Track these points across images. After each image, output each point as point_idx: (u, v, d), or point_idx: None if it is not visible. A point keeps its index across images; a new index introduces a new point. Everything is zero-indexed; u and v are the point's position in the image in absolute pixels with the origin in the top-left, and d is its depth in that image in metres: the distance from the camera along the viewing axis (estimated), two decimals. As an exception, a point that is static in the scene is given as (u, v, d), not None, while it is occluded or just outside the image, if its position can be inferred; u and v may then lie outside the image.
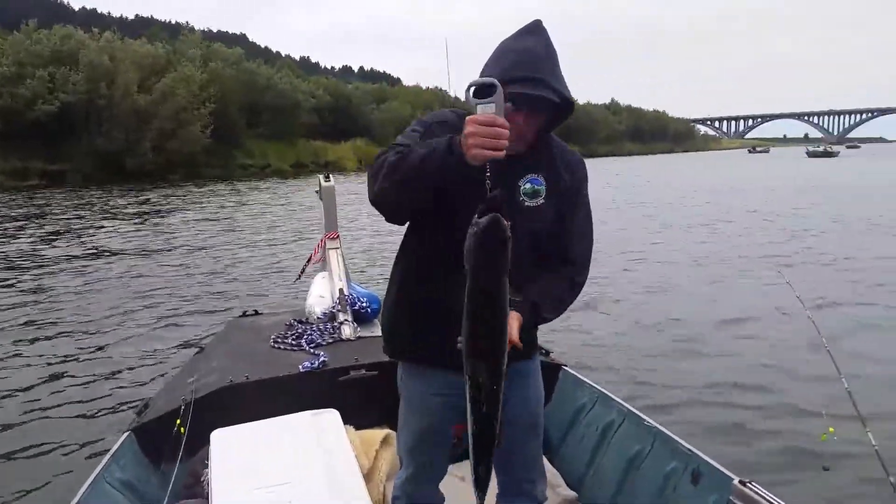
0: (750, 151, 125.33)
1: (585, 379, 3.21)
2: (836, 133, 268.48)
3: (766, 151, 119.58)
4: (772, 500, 2.02)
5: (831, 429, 2.62)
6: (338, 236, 4.92)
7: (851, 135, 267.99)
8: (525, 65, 1.60)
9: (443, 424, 1.94)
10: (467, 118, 1.43)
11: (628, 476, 2.65)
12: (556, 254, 1.81)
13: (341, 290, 4.04)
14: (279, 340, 3.62)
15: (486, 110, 1.41)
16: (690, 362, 6.07)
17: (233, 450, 2.20)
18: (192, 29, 71.69)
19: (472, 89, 1.45)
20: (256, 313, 4.61)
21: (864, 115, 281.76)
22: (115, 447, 2.60)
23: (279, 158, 49.31)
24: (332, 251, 4.70)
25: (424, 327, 1.81)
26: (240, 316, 4.62)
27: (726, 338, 6.86)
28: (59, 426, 4.69)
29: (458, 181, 1.52)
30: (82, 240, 14.58)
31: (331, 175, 5.31)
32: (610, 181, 33.87)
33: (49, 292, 9.25)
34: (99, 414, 4.90)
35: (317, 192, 5.56)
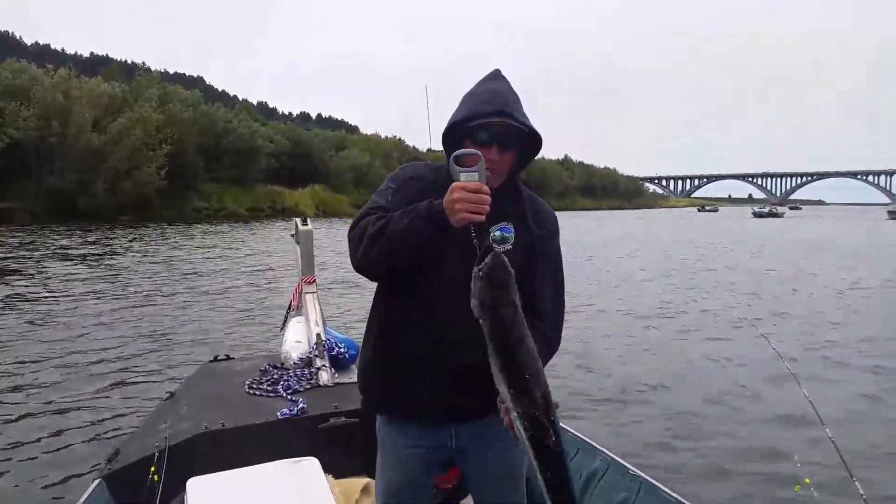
0: (699, 210, 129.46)
1: (568, 428, 3.18)
2: (778, 194, 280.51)
3: (715, 210, 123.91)
4: None
5: (806, 479, 2.68)
6: (314, 280, 4.87)
7: (793, 196, 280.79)
8: (492, 102, 1.68)
9: (420, 476, 1.93)
10: (455, 185, 1.53)
11: None
12: (525, 305, 1.77)
13: (318, 336, 3.97)
14: (254, 386, 3.54)
15: (469, 178, 1.53)
16: (670, 412, 6.19)
17: (210, 499, 2.16)
18: (149, 69, 71.10)
19: (455, 158, 1.56)
20: (228, 358, 4.51)
21: (804, 178, 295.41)
22: (85, 495, 2.54)
23: (235, 202, 48.75)
24: (308, 295, 4.65)
25: (399, 382, 1.82)
26: (211, 361, 4.48)
27: (705, 389, 7.01)
28: (24, 474, 4.52)
29: (437, 242, 1.61)
30: (34, 280, 14.09)
31: (308, 219, 5.26)
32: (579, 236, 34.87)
33: (14, 330, 8.94)
34: (66, 462, 4.71)
35: (292, 235, 5.49)
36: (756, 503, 4.43)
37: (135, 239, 25.97)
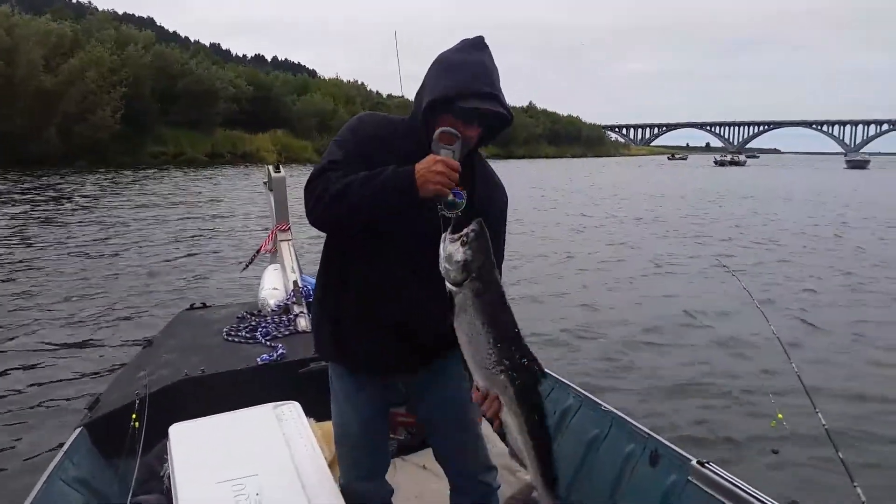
0: (669, 158, 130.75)
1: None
2: (735, 143, 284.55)
3: (685, 159, 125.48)
4: (729, 480, 2.09)
5: (780, 415, 2.75)
6: (289, 227, 4.80)
7: (750, 145, 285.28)
8: (483, 80, 1.66)
9: (372, 417, 1.97)
10: (438, 159, 1.61)
11: (587, 459, 2.70)
12: None
13: (295, 283, 3.96)
14: (232, 333, 3.53)
15: (447, 154, 1.62)
16: (643, 352, 6.40)
17: (193, 444, 2.14)
18: (96, 10, 67.64)
19: (438, 134, 1.63)
20: (205, 306, 4.47)
21: (762, 127, 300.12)
22: (67, 444, 2.53)
23: (194, 147, 47.40)
24: (283, 243, 4.61)
25: (347, 335, 1.87)
26: (188, 309, 4.45)
27: (677, 327, 7.29)
28: (4, 426, 4.50)
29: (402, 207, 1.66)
30: (7, 226, 13.66)
31: (281, 165, 5.17)
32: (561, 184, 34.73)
33: None
34: (47, 411, 4.73)
35: (265, 182, 5.41)
36: (723, 431, 4.63)
37: (93, 184, 25.15)
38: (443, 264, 1.52)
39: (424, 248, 1.65)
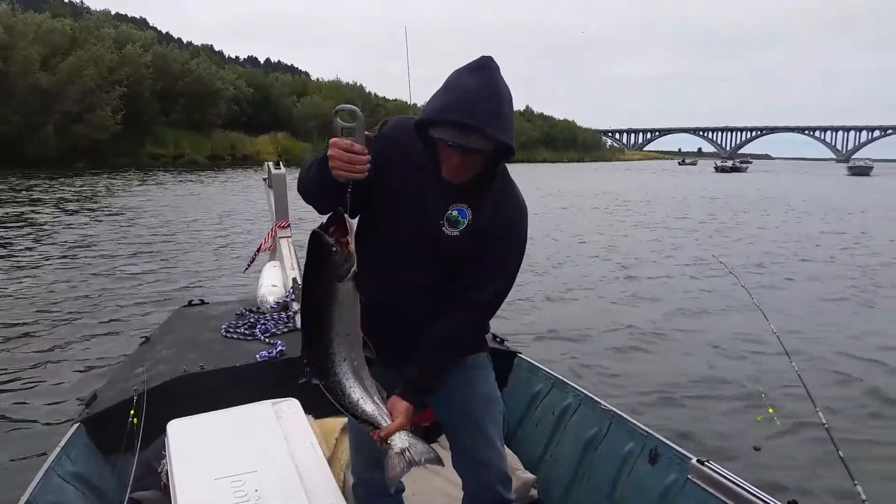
0: (680, 164, 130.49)
1: (540, 365, 3.24)
2: (728, 149, 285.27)
3: (694, 164, 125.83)
4: (729, 478, 2.07)
5: (770, 409, 2.79)
6: (288, 224, 4.80)
7: (741, 151, 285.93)
8: (458, 110, 1.55)
9: None
10: (330, 140, 1.53)
11: (585, 457, 2.70)
12: (463, 289, 1.77)
13: (294, 280, 3.97)
14: (231, 330, 3.52)
15: (346, 136, 1.52)
16: (642, 351, 6.50)
17: (191, 440, 2.14)
18: (88, 8, 67.13)
19: (338, 114, 1.54)
20: (203, 302, 4.47)
21: (754, 133, 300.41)
22: (64, 440, 2.52)
23: (194, 149, 47.28)
24: (282, 239, 4.60)
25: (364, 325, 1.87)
26: (185, 305, 4.44)
27: (677, 326, 7.40)
28: (2, 421, 4.52)
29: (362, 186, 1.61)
30: (5, 227, 13.67)
31: (280, 162, 5.14)
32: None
33: None
34: (44, 407, 4.74)
35: (265, 179, 5.34)
36: (720, 429, 4.68)
37: (93, 186, 25.01)
38: None
39: (423, 260, 1.73)
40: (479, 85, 1.56)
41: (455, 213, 1.71)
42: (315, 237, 1.50)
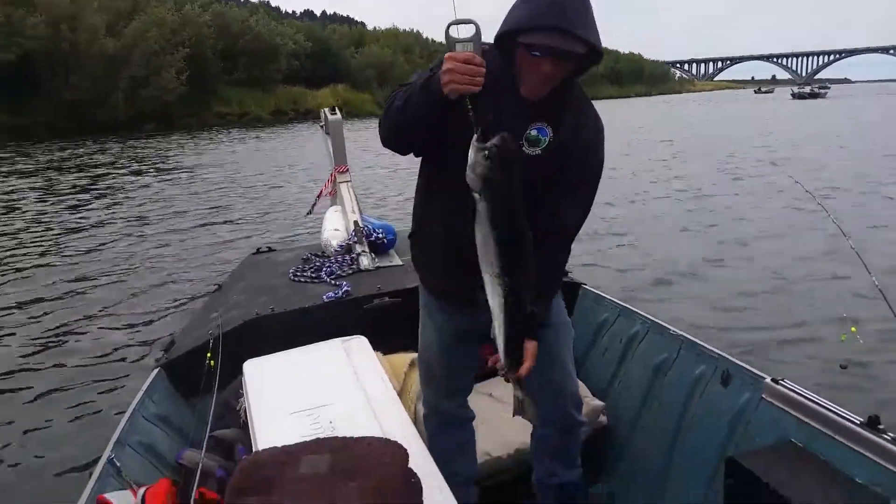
0: (756, 92, 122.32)
1: (606, 295, 3.19)
2: (804, 74, 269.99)
3: (771, 92, 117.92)
4: (805, 395, 2.01)
5: (853, 328, 2.70)
6: (347, 169, 4.86)
7: (818, 76, 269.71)
8: (553, 14, 1.52)
9: (453, 344, 2.01)
10: (446, 55, 1.49)
11: (655, 383, 2.64)
12: (549, 216, 1.76)
13: (356, 223, 3.96)
14: (298, 274, 3.59)
15: (465, 48, 1.48)
16: (716, 273, 6.56)
17: (266, 378, 2.19)
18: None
19: (453, 27, 1.50)
20: (270, 250, 4.54)
21: (830, 57, 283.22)
22: (146, 383, 2.63)
23: (258, 106, 47.22)
24: (342, 184, 4.64)
25: (432, 263, 1.93)
26: (254, 253, 4.50)
27: (750, 247, 7.40)
28: (87, 367, 4.74)
29: (447, 115, 1.58)
30: (87, 190, 14.11)
31: (336, 108, 5.19)
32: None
33: (63, 242, 9.15)
34: (126, 352, 4.99)
35: (321, 126, 5.44)
36: (804, 351, 4.56)
37: (163, 148, 25.30)
38: (467, 170, 1.49)
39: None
40: None
41: (534, 132, 1.70)
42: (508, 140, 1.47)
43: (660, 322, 2.79)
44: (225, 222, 10.05)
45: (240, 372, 2.28)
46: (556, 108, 1.70)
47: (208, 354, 2.60)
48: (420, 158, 1.88)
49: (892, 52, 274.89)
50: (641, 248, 7.71)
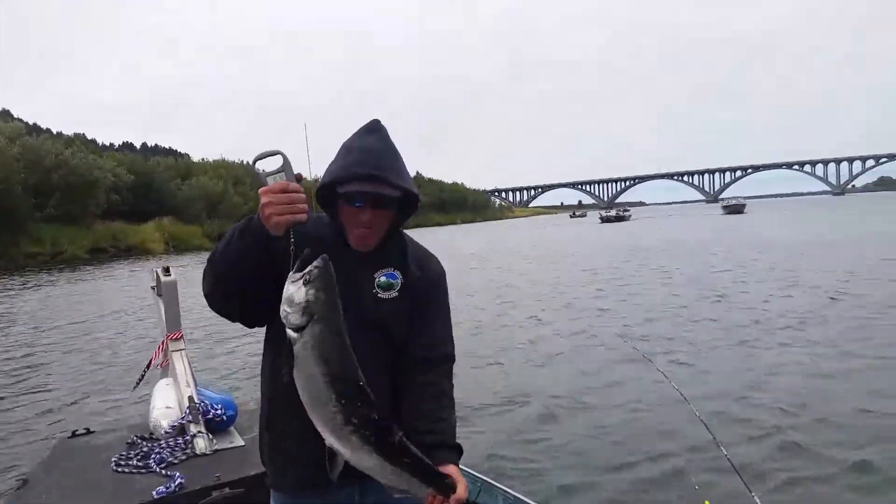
0: (571, 216, 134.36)
1: (468, 469, 3.01)
2: (605, 199, 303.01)
3: (584, 216, 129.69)
4: None
5: (706, 502, 2.75)
6: (181, 336, 4.41)
7: (617, 200, 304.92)
8: (365, 163, 1.63)
9: None
10: (260, 190, 1.47)
11: None
12: (422, 348, 1.77)
13: (191, 398, 3.63)
14: (122, 462, 3.20)
15: (276, 180, 1.47)
16: (559, 436, 5.83)
17: None
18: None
19: (260, 162, 1.50)
20: (88, 431, 3.98)
21: (627, 183, 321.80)
22: None
23: (73, 244, 44.29)
24: (175, 353, 4.21)
25: (287, 448, 1.72)
26: (69, 437, 3.92)
27: (595, 410, 6.55)
28: None
29: (266, 263, 1.55)
30: None
31: (170, 268, 4.71)
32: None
33: None
34: None
35: (153, 287, 4.96)
36: None
37: None
38: (283, 307, 1.42)
39: (360, 341, 1.54)
40: (377, 141, 1.69)
41: (384, 278, 1.74)
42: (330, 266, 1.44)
43: (521, 497, 2.74)
44: (33, 391, 8.38)
45: None
46: (393, 253, 1.78)
47: None
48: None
49: (675, 177, 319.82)
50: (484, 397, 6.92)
